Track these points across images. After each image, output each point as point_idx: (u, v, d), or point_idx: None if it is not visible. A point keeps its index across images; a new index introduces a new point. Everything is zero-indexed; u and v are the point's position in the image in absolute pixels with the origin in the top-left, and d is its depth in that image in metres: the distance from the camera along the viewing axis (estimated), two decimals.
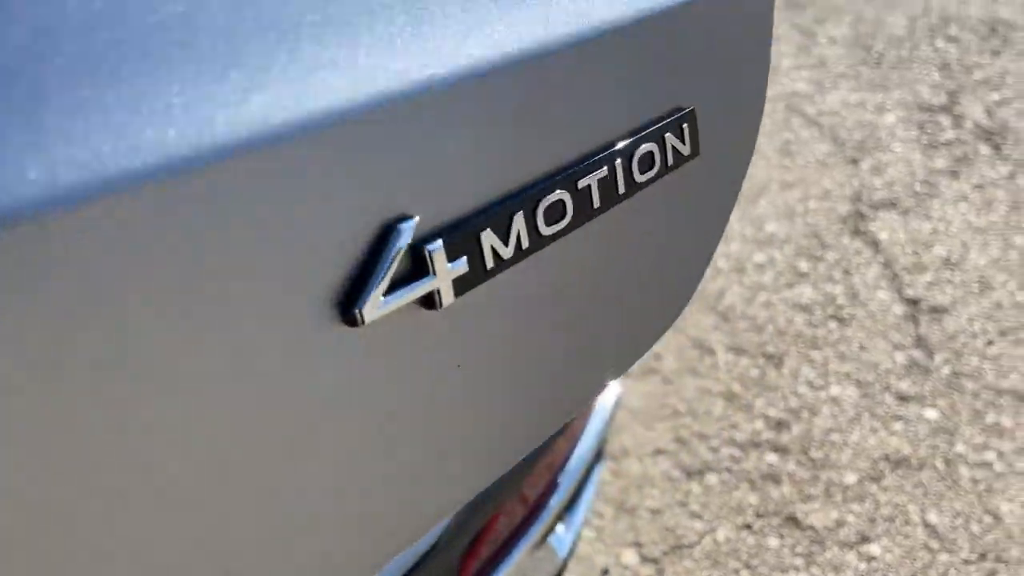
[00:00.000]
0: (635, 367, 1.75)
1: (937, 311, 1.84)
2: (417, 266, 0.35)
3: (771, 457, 1.54)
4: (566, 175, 0.39)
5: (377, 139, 0.32)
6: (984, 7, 3.42)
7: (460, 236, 0.36)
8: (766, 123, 2.61)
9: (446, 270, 0.35)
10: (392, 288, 0.34)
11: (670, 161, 0.45)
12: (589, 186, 0.41)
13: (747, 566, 1.37)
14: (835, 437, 1.57)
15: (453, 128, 0.34)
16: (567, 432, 0.71)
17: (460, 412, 0.41)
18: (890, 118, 2.64)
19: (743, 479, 1.51)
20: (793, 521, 1.43)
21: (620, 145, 0.42)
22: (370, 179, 0.32)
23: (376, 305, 0.33)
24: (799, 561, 1.37)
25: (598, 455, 0.83)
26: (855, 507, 1.44)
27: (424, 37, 0.34)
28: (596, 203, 0.41)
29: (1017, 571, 1.32)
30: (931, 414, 1.60)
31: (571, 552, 0.79)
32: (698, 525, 1.44)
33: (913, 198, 2.24)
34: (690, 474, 1.53)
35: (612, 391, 0.80)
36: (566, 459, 0.72)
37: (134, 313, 0.27)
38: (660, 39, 0.43)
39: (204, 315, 0.29)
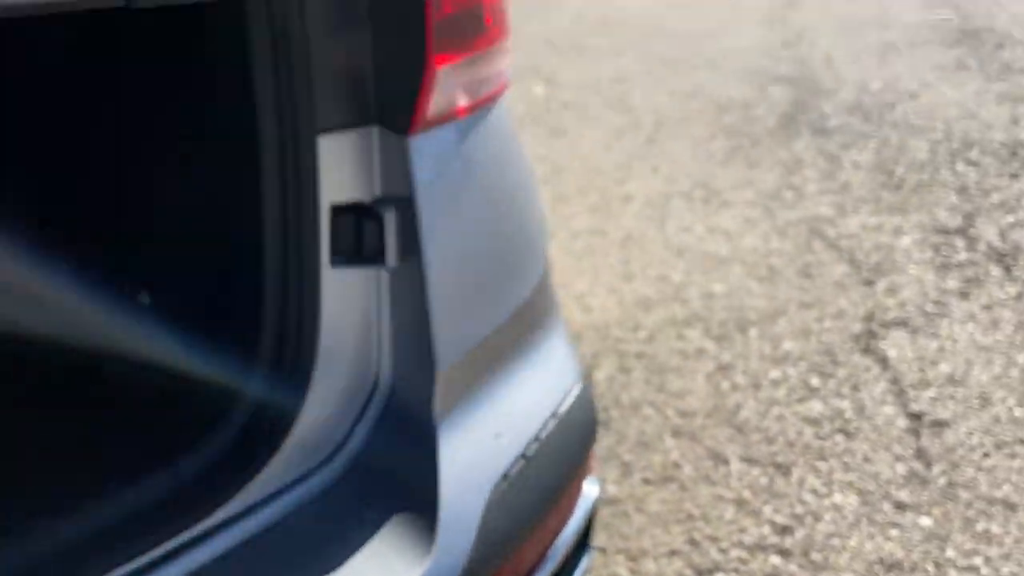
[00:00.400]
0: (654, 476, 1.94)
1: (938, 425, 2.00)
2: None
3: (775, 559, 1.70)
4: None
5: None
6: (1007, 131, 3.62)
7: None
8: (787, 246, 2.83)
9: None
10: None
11: None
12: None
13: None
14: (835, 541, 1.72)
15: None
16: (555, 515, 0.93)
17: None
18: (906, 240, 2.83)
19: None
20: None
21: None
22: None
23: None
24: None
25: (585, 544, 1.04)
26: None
27: None
28: None
29: None
30: (925, 521, 1.74)
31: None
32: None
33: (923, 317, 2.41)
34: (700, 573, 1.70)
35: (593, 489, 1.02)
36: (553, 540, 0.93)
37: None
38: None
39: None
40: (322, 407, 0.80)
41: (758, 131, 3.89)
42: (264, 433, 0.78)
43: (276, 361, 0.80)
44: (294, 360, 0.80)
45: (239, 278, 0.83)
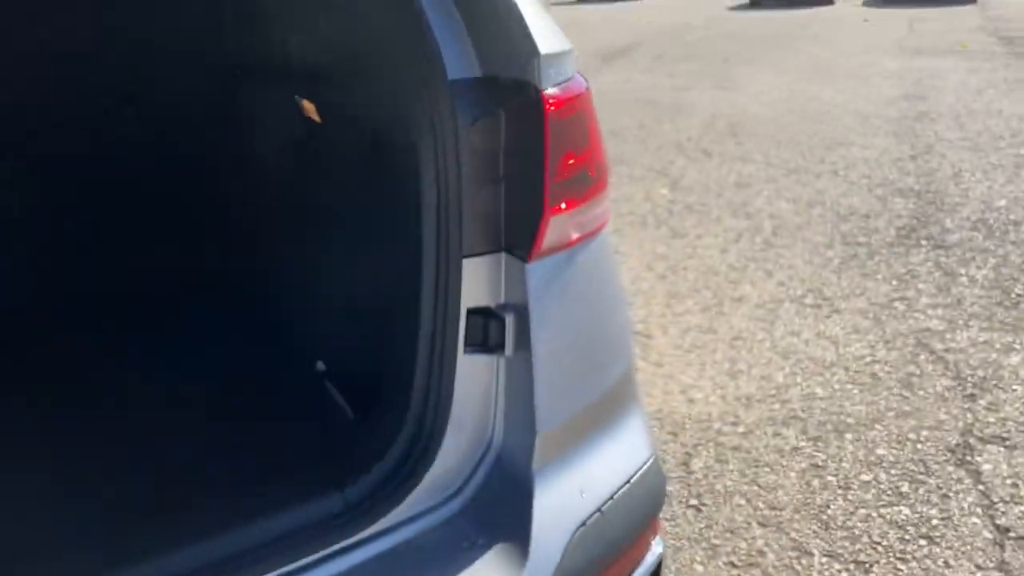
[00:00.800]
0: (739, 561, 2.10)
1: None
2: None
3: None
4: None
5: None
6: None
7: None
8: (892, 356, 2.94)
9: None
10: None
11: None
12: None
13: None
14: None
15: None
16: (623, 562, 1.15)
17: None
18: (1016, 359, 2.88)
19: None
20: None
21: None
22: None
23: None
24: None
25: None
26: None
27: None
28: None
29: None
30: None
31: None
32: None
33: (1023, 435, 2.46)
34: None
35: (658, 547, 1.24)
36: None
37: None
38: None
39: None
40: (451, 456, 1.09)
41: (876, 242, 4.00)
42: (408, 472, 1.07)
43: (420, 420, 1.09)
44: (434, 420, 1.09)
45: (399, 357, 1.14)
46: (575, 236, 1.13)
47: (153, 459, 1.27)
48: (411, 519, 1.07)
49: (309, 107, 1.50)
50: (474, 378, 1.11)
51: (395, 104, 1.14)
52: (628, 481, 1.17)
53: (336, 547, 1.01)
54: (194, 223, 1.72)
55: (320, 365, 1.47)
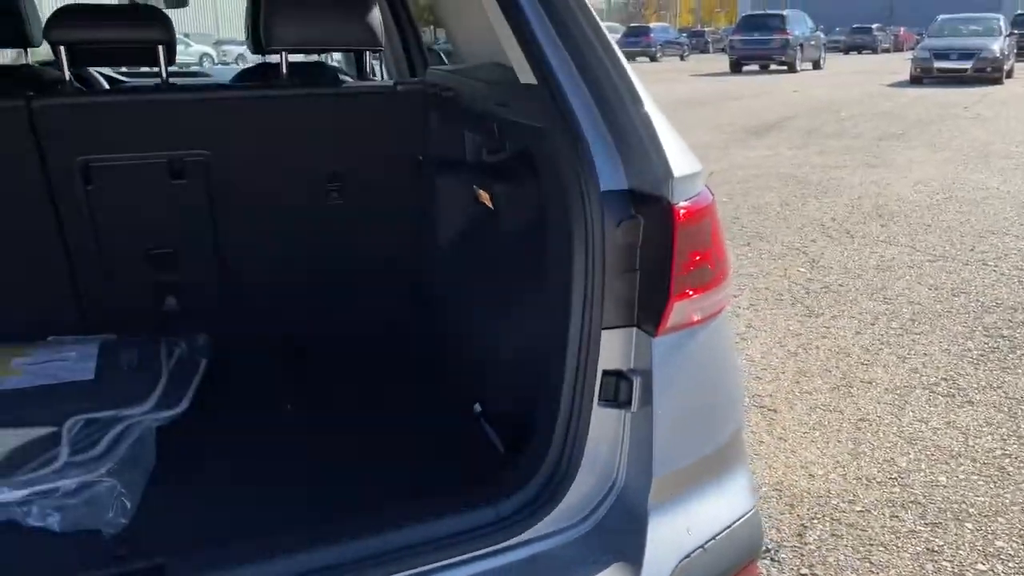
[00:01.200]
0: None
1: None
2: None
3: None
4: None
5: None
6: None
7: None
8: (1023, 452, 2.94)
9: None
10: None
11: None
12: None
13: None
14: None
15: None
16: None
17: None
18: None
19: None
20: None
21: None
22: None
23: None
24: None
25: None
26: None
27: None
28: None
29: None
30: None
31: None
32: None
33: None
34: None
35: None
36: None
37: None
38: None
39: None
40: (582, 488, 1.35)
41: (1021, 336, 3.94)
42: (548, 497, 1.34)
43: (560, 457, 1.36)
44: (570, 458, 1.36)
45: (544, 405, 1.42)
46: (696, 318, 1.39)
47: (347, 473, 1.61)
48: (549, 535, 1.33)
49: (484, 196, 1.84)
50: (605, 427, 1.37)
51: (556, 203, 1.45)
52: (730, 526, 1.38)
53: (489, 549, 1.29)
54: (391, 283, 2.11)
55: (477, 407, 1.77)
